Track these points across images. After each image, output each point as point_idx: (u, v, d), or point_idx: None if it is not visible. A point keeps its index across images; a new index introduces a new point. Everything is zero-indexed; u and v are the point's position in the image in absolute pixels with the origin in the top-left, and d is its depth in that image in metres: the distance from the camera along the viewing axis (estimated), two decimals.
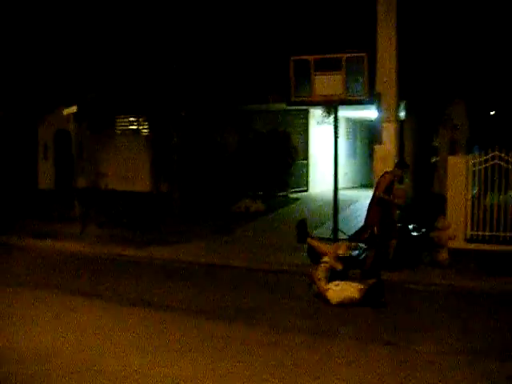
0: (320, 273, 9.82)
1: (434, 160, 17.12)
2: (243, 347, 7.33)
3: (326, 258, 10.18)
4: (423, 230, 12.92)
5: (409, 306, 9.55)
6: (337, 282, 9.67)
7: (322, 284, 9.62)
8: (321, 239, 12.83)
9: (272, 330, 8.07)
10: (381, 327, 8.32)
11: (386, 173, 10.60)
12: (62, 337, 7.69)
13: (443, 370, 6.59)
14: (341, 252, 10.54)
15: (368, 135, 25.91)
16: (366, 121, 24.10)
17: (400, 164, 10.97)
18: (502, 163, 12.96)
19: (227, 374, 6.46)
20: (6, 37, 20.35)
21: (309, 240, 11.33)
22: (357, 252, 12.49)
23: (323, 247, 10.83)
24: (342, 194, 17.99)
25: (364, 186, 23.36)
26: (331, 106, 12.16)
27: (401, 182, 10.53)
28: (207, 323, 8.36)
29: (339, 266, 10.16)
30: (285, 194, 21.01)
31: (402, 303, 9.72)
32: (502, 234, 12.95)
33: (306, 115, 22.58)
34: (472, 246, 12.89)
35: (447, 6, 15.30)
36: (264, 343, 7.48)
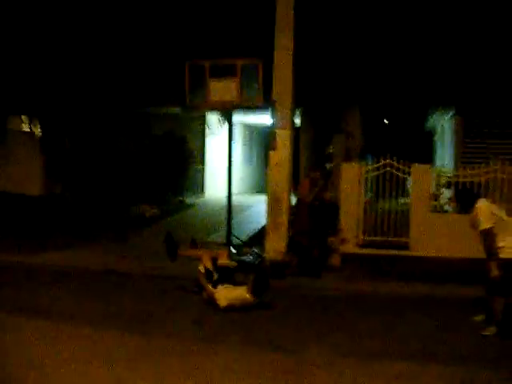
0: (203, 278, 9.81)
1: (329, 167, 17.38)
2: (134, 356, 7.18)
3: (200, 266, 10.12)
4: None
5: (299, 311, 9.65)
6: (226, 285, 9.67)
7: (210, 288, 9.59)
8: (216, 245, 12.87)
9: (163, 337, 7.97)
10: (270, 332, 8.34)
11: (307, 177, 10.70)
12: None
13: (331, 374, 6.66)
14: (221, 262, 10.48)
15: (265, 141, 26.10)
16: (263, 127, 24.28)
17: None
18: (393, 171, 13.34)
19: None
20: None
21: (180, 253, 11.18)
22: (251, 257, 12.60)
23: (196, 253, 10.77)
24: (237, 199, 18.09)
25: (259, 191, 23.49)
26: (225, 111, 12.14)
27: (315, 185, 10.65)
28: (96, 332, 8.15)
29: (215, 276, 10.08)
30: (181, 199, 20.87)
31: (292, 308, 9.81)
32: (393, 239, 13.32)
33: (203, 121, 22.54)
34: (364, 250, 13.17)
35: (342, 13, 15.60)
36: (155, 350, 7.36)
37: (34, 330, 8.12)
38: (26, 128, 22.07)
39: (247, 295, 9.32)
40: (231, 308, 9.21)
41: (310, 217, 11.96)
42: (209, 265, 10.11)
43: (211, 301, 9.46)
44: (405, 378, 6.57)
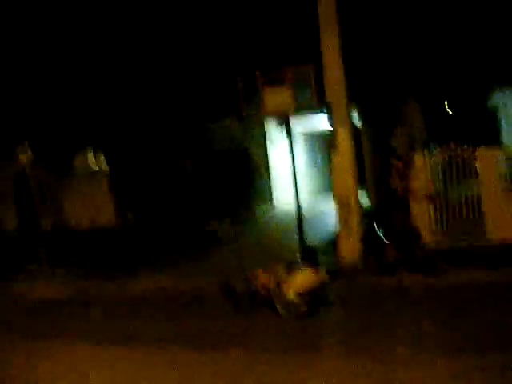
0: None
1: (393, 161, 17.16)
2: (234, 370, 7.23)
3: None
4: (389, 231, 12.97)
5: (377, 310, 9.53)
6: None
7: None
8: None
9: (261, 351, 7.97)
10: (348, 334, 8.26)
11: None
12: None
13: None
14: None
15: (327, 144, 25.96)
16: (325, 131, 24.14)
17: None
18: (459, 157, 13.10)
19: None
20: None
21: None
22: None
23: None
24: (306, 202, 18.01)
25: (328, 194, 23.33)
26: (282, 118, 12.15)
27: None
28: (192, 352, 8.23)
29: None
30: (250, 209, 20.92)
31: (370, 307, 9.71)
32: (467, 228, 13.05)
33: (263, 129, 22.56)
34: (437, 240, 12.94)
35: (391, 5, 15.43)
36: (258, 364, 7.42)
37: (142, 357, 8.35)
38: (92, 162, 22.63)
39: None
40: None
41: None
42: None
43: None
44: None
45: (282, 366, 7.28)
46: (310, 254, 12.72)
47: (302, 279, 9.75)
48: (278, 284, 9.79)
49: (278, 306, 9.67)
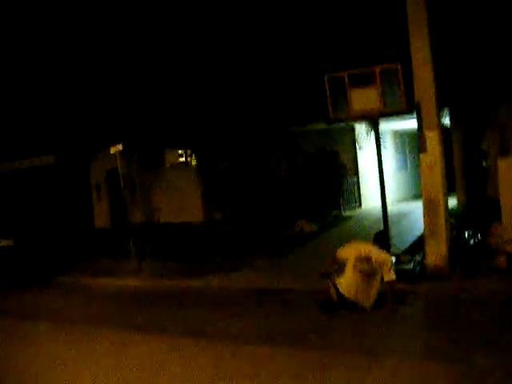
0: None
1: (485, 164, 16.74)
2: (301, 370, 7.25)
3: None
4: (479, 236, 12.67)
5: (466, 317, 9.32)
6: None
7: None
8: None
9: (327, 351, 7.97)
10: (438, 341, 8.13)
11: None
12: (114, 371, 7.76)
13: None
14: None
15: (417, 146, 25.57)
16: (413, 132, 23.82)
17: None
18: None
19: None
20: (52, 80, 20.95)
21: None
22: (411, 265, 12.36)
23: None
24: (394, 207, 17.84)
25: (417, 196, 23.03)
26: (370, 120, 12.00)
27: None
28: (263, 349, 8.31)
29: None
30: (337, 212, 20.88)
31: (459, 313, 9.50)
32: None
33: (351, 131, 22.47)
34: None
35: (483, 3, 15.01)
36: (320, 364, 7.40)
37: (200, 351, 8.47)
38: (181, 160, 23.08)
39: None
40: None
41: None
42: None
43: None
44: None
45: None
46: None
47: None
48: None
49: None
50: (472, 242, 12.63)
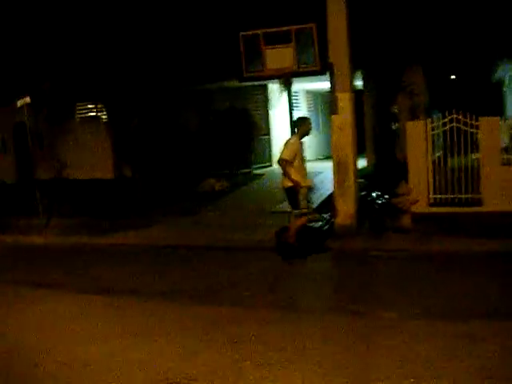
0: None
1: (394, 127, 17.11)
2: (209, 325, 7.31)
3: None
4: (386, 197, 12.98)
5: (371, 273, 9.61)
6: None
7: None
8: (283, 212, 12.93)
9: (237, 306, 8.05)
10: (344, 296, 8.35)
11: None
12: (20, 328, 7.61)
13: (406, 335, 6.61)
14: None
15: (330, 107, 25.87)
16: (327, 92, 24.05)
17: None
18: (460, 126, 13.03)
19: (194, 352, 6.43)
20: None
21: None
22: (320, 223, 12.57)
23: None
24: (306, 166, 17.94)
25: (329, 157, 23.35)
26: (284, 79, 12.00)
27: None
28: (171, 305, 8.32)
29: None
30: (248, 170, 20.95)
31: (365, 270, 9.78)
32: (464, 196, 13.06)
33: (264, 90, 22.49)
34: (434, 209, 12.96)
35: None
36: (229, 320, 7.47)
37: (103, 306, 8.45)
38: (92, 114, 22.56)
39: None
40: None
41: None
42: None
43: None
44: (468, 337, 6.44)
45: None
46: None
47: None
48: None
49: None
50: (380, 202, 12.93)
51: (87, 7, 17.98)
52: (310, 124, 10.70)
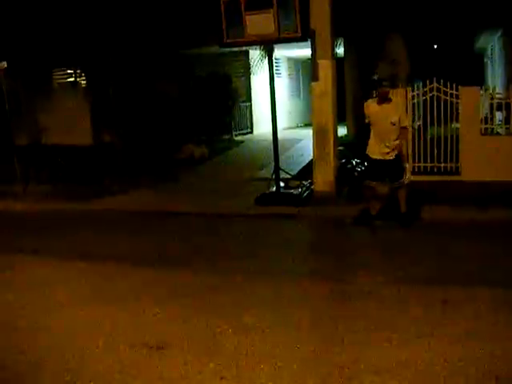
0: None
1: (375, 94, 17.06)
2: (187, 291, 7.34)
3: None
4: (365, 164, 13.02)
5: (349, 240, 9.68)
6: None
7: None
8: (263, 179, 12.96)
9: (215, 272, 8.08)
10: (321, 262, 8.46)
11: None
12: None
13: (383, 300, 6.69)
14: None
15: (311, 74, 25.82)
16: (308, 59, 23.96)
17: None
18: (441, 95, 13.05)
19: (170, 318, 6.47)
20: None
21: None
22: (299, 190, 12.59)
23: None
24: (286, 133, 18.04)
25: (309, 124, 23.38)
26: (265, 46, 11.91)
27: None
28: (148, 270, 8.33)
29: None
30: (229, 137, 20.90)
31: (342, 237, 9.89)
32: (444, 165, 13.15)
33: (245, 56, 22.36)
34: (413, 177, 13.00)
35: None
36: (207, 286, 7.50)
37: (77, 271, 8.49)
38: (70, 79, 22.29)
39: None
40: None
41: None
42: None
43: None
44: (452, 302, 6.53)
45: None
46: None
47: None
48: None
49: None
50: (359, 169, 12.95)
51: None
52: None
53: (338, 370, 5.10)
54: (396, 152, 9.84)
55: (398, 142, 9.77)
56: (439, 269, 7.77)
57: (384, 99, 9.86)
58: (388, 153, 9.83)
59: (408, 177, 10.05)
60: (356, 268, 7.99)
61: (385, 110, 9.76)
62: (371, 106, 10.00)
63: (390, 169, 9.92)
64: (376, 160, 10.01)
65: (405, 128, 9.89)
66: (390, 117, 9.68)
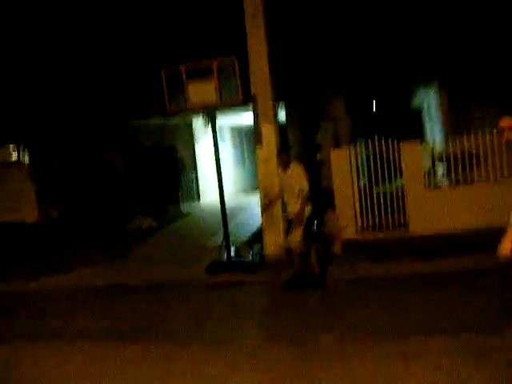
0: None
1: (319, 157, 17.33)
2: (140, 362, 7.17)
3: None
4: (315, 225, 13.09)
5: (302, 301, 9.63)
6: None
7: None
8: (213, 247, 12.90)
9: (169, 342, 7.95)
10: (278, 325, 8.38)
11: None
12: None
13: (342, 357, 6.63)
14: None
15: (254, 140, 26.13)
16: (251, 127, 24.27)
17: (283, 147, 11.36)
18: (383, 151, 13.32)
19: None
20: None
21: None
22: (251, 257, 12.57)
23: None
24: (232, 201, 18.05)
25: (254, 190, 23.54)
26: (207, 113, 12.00)
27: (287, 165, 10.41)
28: (104, 344, 8.12)
29: None
30: (177, 207, 20.81)
31: (294, 299, 9.80)
32: (391, 221, 13.32)
33: (189, 127, 22.55)
34: (363, 235, 13.17)
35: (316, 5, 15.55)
36: (163, 355, 7.37)
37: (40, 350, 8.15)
38: (14, 156, 22.06)
39: None
40: None
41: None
42: None
43: None
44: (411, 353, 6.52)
45: None
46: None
47: None
48: None
49: None
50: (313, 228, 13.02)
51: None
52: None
53: None
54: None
55: (297, 204, 10.13)
56: (390, 322, 7.78)
57: (285, 166, 10.39)
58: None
59: (294, 240, 10.19)
60: (312, 327, 7.94)
61: (287, 176, 10.33)
62: (280, 173, 10.68)
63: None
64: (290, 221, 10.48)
65: (302, 190, 10.13)
66: (290, 181, 10.25)
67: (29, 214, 19.55)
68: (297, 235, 10.11)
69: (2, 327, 9.69)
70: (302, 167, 10.33)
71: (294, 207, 10.19)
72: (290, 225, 10.42)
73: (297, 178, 10.18)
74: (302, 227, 10.13)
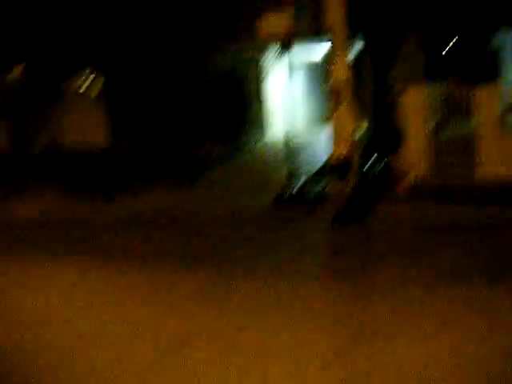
0: None
1: (391, 96, 16.99)
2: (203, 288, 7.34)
3: None
4: (386, 160, 12.98)
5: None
6: None
7: None
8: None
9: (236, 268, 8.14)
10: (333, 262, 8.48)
11: None
12: None
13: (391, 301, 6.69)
14: None
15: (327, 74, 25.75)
16: (324, 60, 23.90)
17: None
18: (458, 93, 12.99)
19: (187, 316, 6.48)
20: None
21: None
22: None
23: None
24: (302, 134, 17.92)
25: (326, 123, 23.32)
26: (281, 44, 11.88)
27: None
28: (168, 268, 8.37)
29: None
30: (245, 138, 20.82)
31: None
32: (461, 163, 13.05)
33: (262, 57, 22.31)
34: (432, 177, 12.97)
35: None
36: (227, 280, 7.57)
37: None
38: (88, 83, 22.31)
39: None
40: None
41: None
42: None
43: None
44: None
45: None
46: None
47: None
48: None
49: None
50: (379, 166, 12.91)
51: None
52: None
53: None
54: None
55: None
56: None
57: None
58: None
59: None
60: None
61: None
62: None
63: None
64: None
65: None
66: None
67: (100, 140, 19.86)
68: None
69: None
70: None
71: None
72: None
73: None
74: None
